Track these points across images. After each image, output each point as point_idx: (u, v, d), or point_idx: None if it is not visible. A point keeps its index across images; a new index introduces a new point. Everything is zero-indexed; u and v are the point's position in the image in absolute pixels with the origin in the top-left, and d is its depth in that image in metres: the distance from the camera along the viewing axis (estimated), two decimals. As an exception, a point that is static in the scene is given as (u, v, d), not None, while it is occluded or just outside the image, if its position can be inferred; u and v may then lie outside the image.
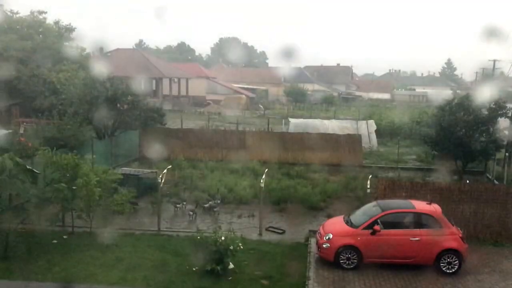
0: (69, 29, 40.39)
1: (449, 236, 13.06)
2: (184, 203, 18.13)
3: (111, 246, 14.18)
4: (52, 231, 14.81)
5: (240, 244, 12.54)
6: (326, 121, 34.56)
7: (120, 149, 25.11)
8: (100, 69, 31.74)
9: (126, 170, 20.20)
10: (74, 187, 13.65)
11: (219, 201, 18.17)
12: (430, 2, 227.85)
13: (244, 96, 64.24)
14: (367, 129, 32.49)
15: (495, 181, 22.78)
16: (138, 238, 15.05)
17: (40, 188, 13.51)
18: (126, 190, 15.85)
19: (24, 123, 26.93)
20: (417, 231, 13.13)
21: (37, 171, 13.34)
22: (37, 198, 13.29)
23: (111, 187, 15.45)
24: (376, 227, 13.05)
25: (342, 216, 14.51)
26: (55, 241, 14.39)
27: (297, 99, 67.53)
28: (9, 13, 37.87)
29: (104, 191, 14.97)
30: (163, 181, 16.10)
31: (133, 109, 25.60)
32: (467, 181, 17.44)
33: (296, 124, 33.42)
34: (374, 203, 14.42)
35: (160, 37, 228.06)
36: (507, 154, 23.73)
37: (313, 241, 14.69)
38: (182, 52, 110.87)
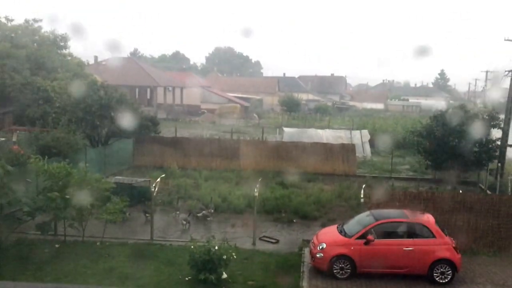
0: (64, 38, 40.37)
1: (443, 246, 13.07)
2: (178, 212, 18.06)
3: (103, 256, 14.07)
4: (44, 240, 14.68)
5: (233, 254, 12.49)
6: (320, 131, 34.66)
7: (114, 157, 25.02)
8: (95, 77, 31.71)
9: (119, 178, 20.11)
10: (66, 196, 13.56)
11: (212, 210, 18.11)
12: (424, 13, 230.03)
13: (238, 105, 64.35)
14: (361, 138, 32.60)
15: (488, 191, 22.88)
16: (131, 247, 14.95)
17: (32, 197, 13.41)
18: (119, 199, 15.76)
19: (17, 131, 26.78)
20: (411, 241, 13.14)
21: (29, 180, 13.25)
22: (28, 206, 13.18)
23: (104, 196, 15.36)
24: (370, 236, 13.04)
25: (336, 226, 14.50)
26: (46, 250, 14.26)
27: (292, 108, 67.69)
28: (3, 20, 37.80)
29: (97, 200, 14.87)
30: (156, 189, 16.03)
31: (127, 118, 25.53)
32: (460, 191, 17.49)
33: (290, 133, 33.48)
34: (367, 212, 14.43)
35: (155, 46, 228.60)
36: (499, 164, 23.88)
37: (306, 250, 14.65)
38: (177, 61, 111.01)
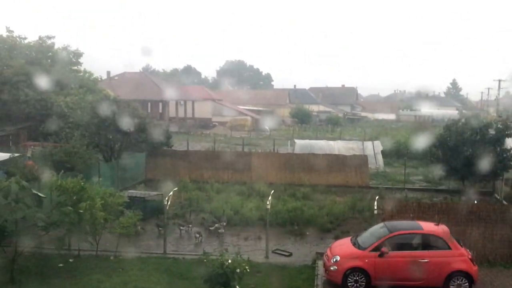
0: (77, 54, 41.04)
1: (458, 257, 12.89)
2: (190, 225, 18.07)
3: (117, 270, 14.11)
4: (58, 254, 14.76)
5: (246, 267, 12.41)
6: (331, 142, 34.55)
7: (127, 171, 25.17)
8: (107, 92, 32.05)
9: (133, 192, 20.21)
10: (80, 211, 13.66)
11: (225, 223, 18.08)
12: (436, 22, 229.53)
13: (249, 117, 64.52)
14: (373, 149, 32.42)
15: (503, 201, 22.54)
16: (144, 261, 14.97)
17: (46, 212, 13.53)
18: (132, 213, 15.82)
19: (32, 146, 27.13)
20: (426, 252, 12.98)
21: (43, 195, 13.37)
22: (43, 221, 13.29)
23: (117, 210, 15.44)
24: (384, 249, 12.91)
25: (350, 238, 14.39)
26: (61, 265, 14.33)
27: (303, 120, 67.68)
28: (18, 39, 38.57)
29: (110, 214, 14.96)
30: (169, 203, 16.08)
31: (140, 132, 25.77)
32: (475, 202, 17.26)
33: (301, 145, 33.42)
34: (381, 224, 14.30)
35: (166, 61, 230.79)
36: (515, 174, 23.54)
37: (320, 263, 14.53)
38: (188, 75, 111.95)
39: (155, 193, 20.51)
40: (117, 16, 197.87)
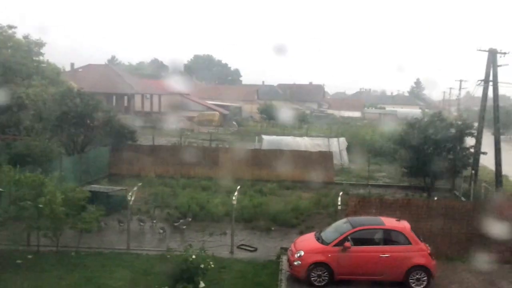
0: (39, 44, 39.70)
1: (418, 252, 13.24)
2: (154, 221, 17.88)
3: (78, 266, 13.83)
4: (16, 250, 14.33)
5: (211, 263, 12.40)
6: (298, 138, 34.80)
7: (90, 166, 24.64)
8: (71, 84, 31.28)
9: (95, 187, 19.83)
10: (40, 205, 13.29)
11: (190, 219, 17.97)
12: (400, 22, 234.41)
13: (217, 112, 64.21)
14: (338, 146, 32.86)
15: (462, 198, 23.30)
16: (107, 257, 14.71)
17: (4, 207, 13.10)
18: (95, 208, 15.52)
19: (-11, 139, 26.16)
20: (387, 247, 13.27)
21: (1, 189, 12.95)
22: (0, 216, 12.86)
23: (79, 205, 15.10)
24: (347, 243, 13.13)
25: (314, 233, 14.56)
26: (19, 261, 13.90)
27: (271, 116, 67.88)
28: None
29: (72, 209, 14.62)
30: (133, 198, 15.84)
31: (103, 126, 25.26)
32: (435, 198, 17.77)
33: (269, 141, 33.52)
34: (345, 220, 14.54)
35: (133, 53, 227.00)
36: (473, 171, 24.36)
37: (284, 258, 14.65)
38: (155, 68, 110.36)
39: (118, 188, 20.19)
40: (82, 7, 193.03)
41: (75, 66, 62.07)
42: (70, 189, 15.20)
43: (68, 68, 59.69)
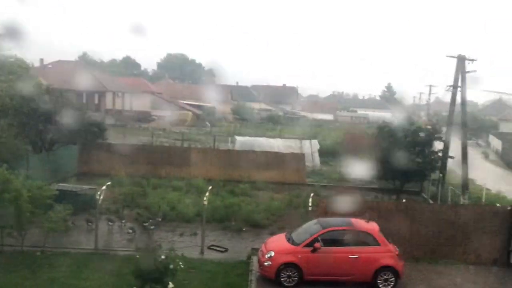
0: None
1: (386, 253, 13.45)
2: (123, 221, 17.61)
3: (44, 266, 13.49)
4: (-22, 250, 13.90)
5: (180, 263, 12.27)
6: (271, 140, 34.92)
7: (58, 164, 24.06)
8: (40, 80, 30.52)
9: (63, 186, 19.39)
10: (4, 203, 12.90)
11: (160, 219, 17.78)
12: (374, 27, 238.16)
13: (190, 112, 63.79)
14: (310, 148, 33.12)
15: (430, 200, 23.82)
16: (74, 257, 14.40)
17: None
18: (62, 207, 15.16)
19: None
20: (356, 248, 13.43)
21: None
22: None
23: (46, 203, 14.73)
24: (317, 244, 13.23)
25: (284, 234, 14.61)
26: (-19, 261, 13.49)
27: (244, 117, 67.90)
28: None
29: (38, 207, 14.25)
30: (101, 198, 15.56)
31: (73, 123, 24.70)
32: (404, 200, 18.10)
33: (242, 142, 33.52)
34: (315, 221, 14.64)
35: (104, 50, 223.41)
36: (441, 174, 24.93)
37: (255, 259, 14.65)
38: (127, 66, 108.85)
39: (87, 187, 19.79)
40: (54, 2, 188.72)
41: (45, 62, 60.63)
42: (37, 186, 14.82)
43: (37, 64, 58.29)
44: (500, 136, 53.47)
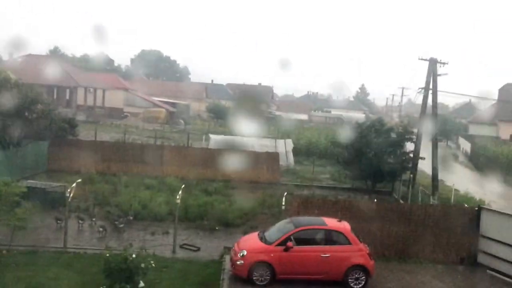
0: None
1: (357, 252, 13.58)
2: (94, 219, 17.30)
3: (10, 265, 13.12)
4: None
5: (152, 262, 12.12)
6: (246, 139, 34.87)
7: (27, 160, 23.53)
8: (8, 74, 29.62)
9: (32, 182, 18.95)
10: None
11: (131, 218, 17.53)
12: (348, 28, 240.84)
13: (164, 110, 63.16)
14: (285, 147, 33.26)
15: (400, 200, 24.21)
16: (42, 255, 14.07)
17: None
18: (30, 204, 14.78)
19: None
20: (328, 247, 13.52)
21: None
22: None
23: (13, 201, 14.32)
24: (289, 243, 13.26)
25: (257, 233, 14.60)
26: None
27: (219, 115, 67.64)
28: None
29: (5, 204, 13.85)
30: (71, 195, 15.24)
31: (42, 119, 24.15)
32: (375, 200, 18.34)
33: (216, 140, 33.40)
34: (288, 220, 14.67)
35: (76, 45, 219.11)
36: (411, 175, 25.37)
37: (227, 258, 14.59)
38: (100, 62, 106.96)
39: (57, 184, 19.38)
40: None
41: (14, 56, 59.07)
42: (4, 183, 14.40)
43: (6, 57, 56.74)
44: (469, 138, 54.85)
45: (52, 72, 51.81)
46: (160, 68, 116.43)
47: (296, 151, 34.77)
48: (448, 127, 59.17)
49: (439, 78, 24.89)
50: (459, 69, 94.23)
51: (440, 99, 27.60)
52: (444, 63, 24.83)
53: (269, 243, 13.50)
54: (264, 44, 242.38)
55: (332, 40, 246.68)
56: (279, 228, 14.17)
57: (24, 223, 14.16)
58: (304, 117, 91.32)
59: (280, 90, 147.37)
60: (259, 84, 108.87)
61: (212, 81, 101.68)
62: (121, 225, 16.89)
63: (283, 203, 16.28)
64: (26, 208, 14.43)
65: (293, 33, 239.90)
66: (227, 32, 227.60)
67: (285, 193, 17.65)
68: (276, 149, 31.81)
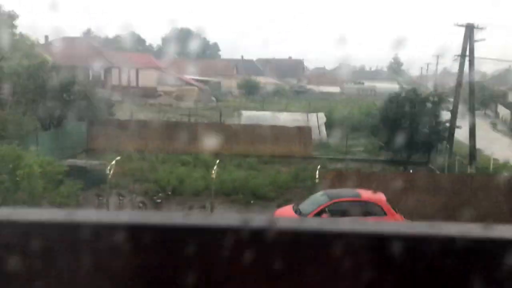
0: (12, 16, 38.48)
1: (393, 223, 13.58)
2: (134, 195, 17.88)
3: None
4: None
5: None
6: (277, 114, 34.92)
7: (67, 140, 24.33)
8: (45, 57, 30.56)
9: (73, 161, 19.64)
10: (17, 179, 13.16)
11: (169, 193, 18.03)
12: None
13: (196, 88, 63.70)
14: (317, 121, 33.12)
15: (437, 171, 23.87)
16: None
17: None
18: (73, 182, 15.42)
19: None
20: (363, 219, 13.57)
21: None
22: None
23: (56, 179, 14.98)
24: (324, 215, 13.39)
25: (292, 206, 14.79)
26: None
27: (250, 91, 67.70)
28: None
29: (49, 183, 14.50)
30: (111, 173, 15.77)
31: (80, 100, 24.87)
32: (411, 171, 18.19)
33: (248, 116, 33.58)
34: (322, 192, 14.78)
35: (109, 26, 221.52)
36: (447, 145, 24.92)
37: (263, 231, 14.84)
38: (132, 42, 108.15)
39: (97, 162, 20.03)
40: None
41: (49, 39, 60.46)
42: (48, 162, 15.04)
43: (42, 41, 58.14)
44: (509, 105, 53.01)
45: (86, 54, 52.99)
46: (191, 46, 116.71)
47: (328, 124, 34.55)
48: (486, 95, 57.32)
49: (476, 44, 24.11)
50: (499, 34, 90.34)
51: (478, 66, 26.77)
52: (481, 28, 24.00)
53: (304, 216, 13.66)
54: (295, 17, 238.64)
55: (363, 9, 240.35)
56: (314, 201, 14.31)
57: (67, 200, 14.82)
58: (336, 89, 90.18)
59: (311, 63, 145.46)
60: (290, 57, 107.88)
61: (242, 57, 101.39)
62: (158, 201, 17.42)
63: (317, 176, 16.36)
64: (69, 186, 15.06)
65: (324, 4, 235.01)
66: (255, 6, 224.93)
67: (319, 167, 17.71)
68: (308, 123, 31.72)
